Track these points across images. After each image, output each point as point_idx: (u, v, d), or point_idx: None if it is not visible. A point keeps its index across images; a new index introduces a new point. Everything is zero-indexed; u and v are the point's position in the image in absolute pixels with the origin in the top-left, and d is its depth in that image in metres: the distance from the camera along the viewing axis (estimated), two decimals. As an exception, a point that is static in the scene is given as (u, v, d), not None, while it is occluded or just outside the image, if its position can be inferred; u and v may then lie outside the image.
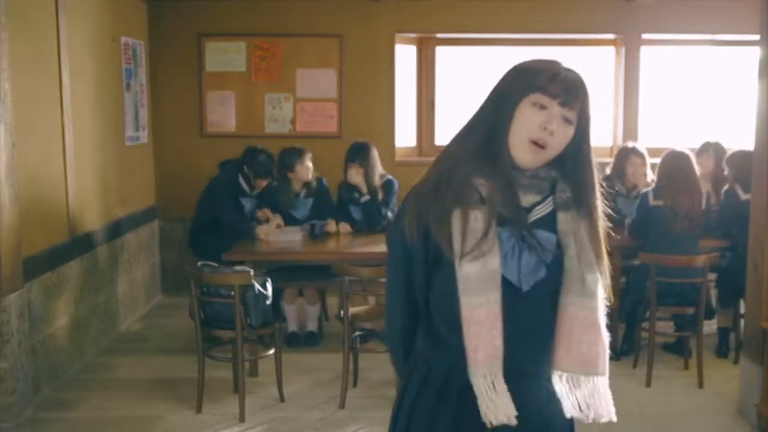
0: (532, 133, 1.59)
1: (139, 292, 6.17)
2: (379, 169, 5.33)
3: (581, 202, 1.65)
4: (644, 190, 4.98)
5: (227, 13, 6.49)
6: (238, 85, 6.56)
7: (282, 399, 4.35)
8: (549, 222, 1.65)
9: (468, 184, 1.61)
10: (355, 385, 4.55)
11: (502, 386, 1.60)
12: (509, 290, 1.60)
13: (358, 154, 5.27)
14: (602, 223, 1.68)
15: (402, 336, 1.78)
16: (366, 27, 6.52)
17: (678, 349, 5.07)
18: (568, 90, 1.61)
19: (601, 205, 1.69)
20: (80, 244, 4.97)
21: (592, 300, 1.63)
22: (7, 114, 3.91)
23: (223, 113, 6.59)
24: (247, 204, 5.39)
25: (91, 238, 5.15)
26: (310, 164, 5.35)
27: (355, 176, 5.25)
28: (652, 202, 4.80)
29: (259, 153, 5.36)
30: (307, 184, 5.40)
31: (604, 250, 1.67)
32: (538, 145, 1.59)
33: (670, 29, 6.60)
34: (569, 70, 1.64)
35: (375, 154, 5.32)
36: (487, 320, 1.58)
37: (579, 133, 1.65)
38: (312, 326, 5.40)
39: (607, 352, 1.67)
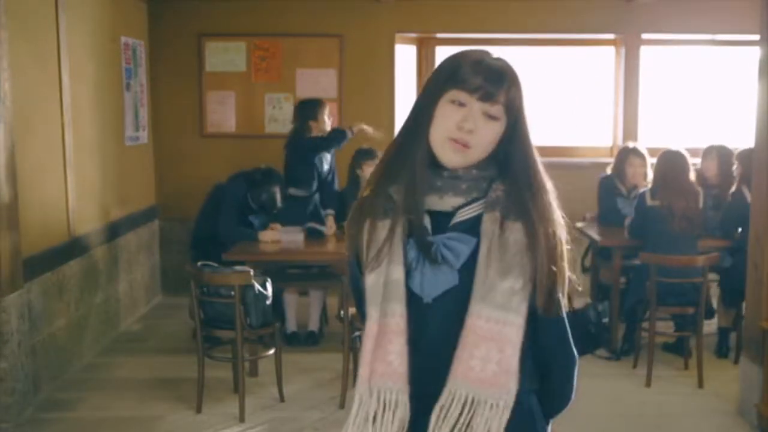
0: (451, 133, 1.46)
1: (139, 292, 6.16)
2: None
3: (514, 203, 1.46)
4: (641, 190, 4.98)
5: (227, 13, 6.49)
6: (238, 85, 6.56)
7: (282, 399, 4.35)
8: (475, 226, 1.47)
9: (383, 194, 1.51)
10: (354, 385, 4.54)
11: (388, 409, 1.46)
12: (417, 303, 1.47)
13: (371, 153, 5.29)
14: (558, 233, 1.48)
15: None
16: (366, 27, 6.52)
17: (678, 349, 5.07)
18: (489, 83, 1.45)
19: (554, 211, 1.49)
20: (80, 245, 4.97)
21: (497, 311, 1.42)
22: (7, 114, 3.91)
23: (223, 113, 6.59)
24: (256, 221, 5.35)
25: (91, 239, 5.15)
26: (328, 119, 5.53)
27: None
28: (649, 202, 4.80)
29: (263, 191, 5.19)
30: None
31: (547, 261, 1.45)
32: (456, 143, 1.46)
33: (670, 29, 6.60)
34: (495, 60, 1.50)
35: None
36: (381, 334, 1.46)
37: (510, 128, 1.48)
38: (312, 326, 5.40)
39: (512, 375, 1.43)
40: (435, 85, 1.50)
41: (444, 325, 1.47)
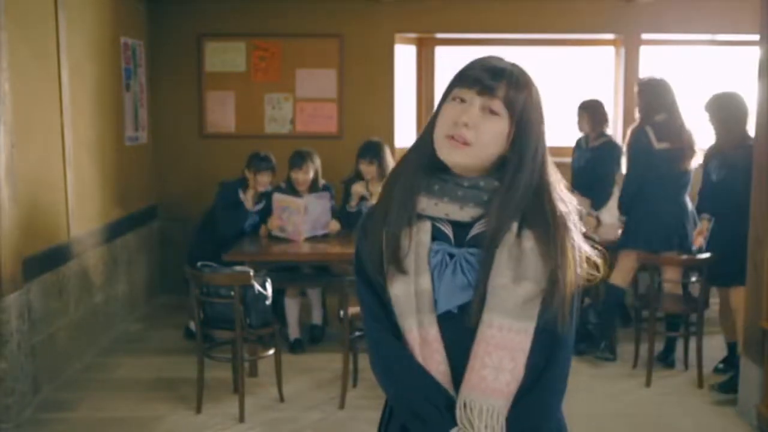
0: (448, 130, 1.44)
1: (138, 292, 6.16)
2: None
3: (529, 211, 1.45)
4: (634, 128, 4.54)
5: (227, 13, 6.49)
6: (238, 85, 6.56)
7: (282, 399, 4.35)
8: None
9: (403, 200, 1.49)
10: (355, 385, 4.55)
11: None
12: (448, 312, 1.47)
13: (370, 150, 5.28)
14: (576, 243, 1.47)
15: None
16: (366, 27, 6.52)
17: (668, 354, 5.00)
18: (488, 77, 1.44)
19: (569, 219, 1.48)
20: (80, 245, 4.97)
21: (509, 319, 1.41)
22: (7, 114, 3.91)
23: (222, 113, 6.59)
24: (249, 219, 5.34)
25: (90, 239, 5.15)
26: (311, 174, 5.34)
27: (367, 172, 5.27)
28: (657, 145, 4.34)
29: (259, 153, 5.33)
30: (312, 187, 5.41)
31: (562, 269, 1.44)
32: (454, 140, 1.43)
33: (670, 29, 6.60)
34: (501, 60, 1.49)
35: (388, 153, 5.36)
36: (425, 344, 1.45)
37: (518, 132, 1.45)
38: (316, 320, 5.41)
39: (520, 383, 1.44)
40: (446, 90, 1.50)
41: (460, 336, 1.46)
